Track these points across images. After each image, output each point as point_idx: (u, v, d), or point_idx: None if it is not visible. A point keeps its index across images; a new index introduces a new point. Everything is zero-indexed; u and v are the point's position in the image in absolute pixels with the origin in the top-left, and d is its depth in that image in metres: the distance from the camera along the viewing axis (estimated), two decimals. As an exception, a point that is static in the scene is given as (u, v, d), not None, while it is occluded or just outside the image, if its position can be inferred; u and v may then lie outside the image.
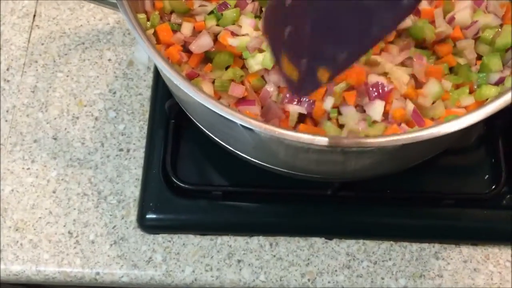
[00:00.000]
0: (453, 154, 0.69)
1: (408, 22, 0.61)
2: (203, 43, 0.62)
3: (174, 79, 0.50)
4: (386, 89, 0.57)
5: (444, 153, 0.64)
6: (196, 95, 0.49)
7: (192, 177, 0.69)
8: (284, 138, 0.48)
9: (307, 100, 0.59)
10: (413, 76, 0.60)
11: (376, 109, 0.56)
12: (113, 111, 0.75)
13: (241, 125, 0.49)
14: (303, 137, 0.47)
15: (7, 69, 0.78)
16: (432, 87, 0.58)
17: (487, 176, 0.68)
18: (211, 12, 0.64)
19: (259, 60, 0.60)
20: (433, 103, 0.58)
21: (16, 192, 0.71)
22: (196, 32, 0.64)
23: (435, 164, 0.68)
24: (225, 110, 0.49)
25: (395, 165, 0.59)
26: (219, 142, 0.62)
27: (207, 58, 0.63)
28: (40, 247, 0.68)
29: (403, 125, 0.55)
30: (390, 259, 0.67)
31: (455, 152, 0.70)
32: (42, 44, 0.80)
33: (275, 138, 0.49)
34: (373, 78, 0.58)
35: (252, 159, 0.61)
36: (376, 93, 0.57)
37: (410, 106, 0.56)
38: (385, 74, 0.59)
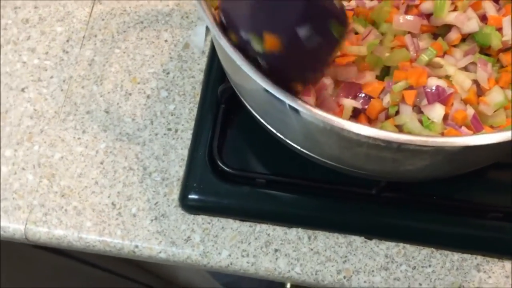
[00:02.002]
0: (504, 167, 0.68)
1: (474, 27, 0.60)
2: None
3: (236, 58, 0.50)
4: (446, 93, 0.56)
5: (495, 166, 0.63)
6: (256, 76, 0.49)
7: (237, 163, 0.70)
8: (341, 129, 0.48)
9: (363, 95, 0.59)
10: (475, 82, 0.58)
11: (437, 112, 0.55)
12: (165, 91, 0.76)
13: (293, 109, 0.49)
14: (368, 130, 0.47)
15: (67, 41, 0.80)
16: (496, 96, 0.56)
17: (538, 193, 0.67)
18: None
19: (319, 51, 0.60)
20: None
21: (66, 160, 0.72)
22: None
23: (485, 176, 0.67)
24: (284, 92, 0.49)
25: (448, 169, 0.58)
26: (269, 129, 0.62)
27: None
28: (84, 214, 0.69)
29: (463, 128, 0.54)
30: (429, 265, 0.66)
31: (507, 166, 0.68)
32: (103, 19, 0.82)
33: (330, 127, 0.49)
34: (433, 82, 0.57)
35: (301, 148, 0.60)
36: (435, 97, 0.56)
37: (471, 111, 0.55)
38: (446, 77, 0.58)
